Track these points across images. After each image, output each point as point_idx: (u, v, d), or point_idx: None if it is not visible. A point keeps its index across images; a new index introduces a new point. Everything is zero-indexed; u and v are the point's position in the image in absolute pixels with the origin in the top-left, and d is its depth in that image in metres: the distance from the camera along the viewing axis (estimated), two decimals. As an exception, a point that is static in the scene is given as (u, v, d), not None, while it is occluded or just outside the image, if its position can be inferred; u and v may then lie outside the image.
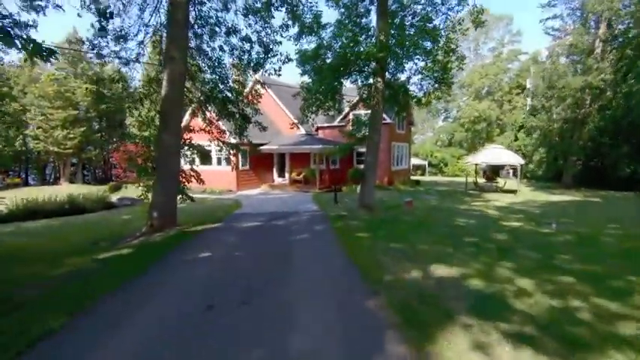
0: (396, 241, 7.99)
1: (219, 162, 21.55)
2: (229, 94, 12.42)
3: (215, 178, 21.64)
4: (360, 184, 13.99)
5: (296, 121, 24.20)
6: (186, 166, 24.03)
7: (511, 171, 36.52)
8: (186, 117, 22.86)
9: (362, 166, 23.54)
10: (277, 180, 24.20)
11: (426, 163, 40.24)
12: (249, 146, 22.00)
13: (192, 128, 14.06)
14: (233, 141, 20.23)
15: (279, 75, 12.53)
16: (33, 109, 30.87)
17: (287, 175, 23.22)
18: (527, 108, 36.42)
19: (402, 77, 14.69)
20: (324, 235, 8.76)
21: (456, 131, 42.60)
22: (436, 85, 14.46)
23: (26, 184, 37.51)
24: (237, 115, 12.75)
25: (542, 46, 58.41)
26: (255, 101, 14.00)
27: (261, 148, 22.08)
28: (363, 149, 24.16)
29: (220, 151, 21.60)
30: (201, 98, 12.67)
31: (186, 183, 11.72)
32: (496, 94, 39.53)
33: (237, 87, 12.83)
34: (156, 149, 9.66)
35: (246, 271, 6.00)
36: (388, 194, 19.67)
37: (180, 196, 10.68)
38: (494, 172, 38.74)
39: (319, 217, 11.64)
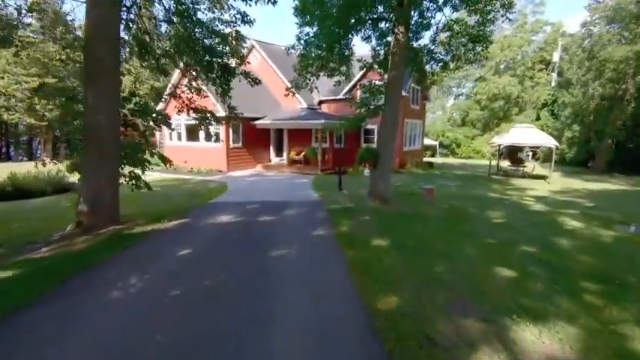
0: (430, 255, 5.41)
1: (207, 138, 18.83)
2: (206, 41, 9.47)
3: (203, 157, 19.00)
4: (370, 166, 11.30)
5: (298, 96, 21.30)
6: (169, 142, 21.50)
7: (530, 154, 33.57)
8: (175, 78, 20.02)
9: (374, 145, 20.81)
10: (274, 160, 21.53)
11: (436, 143, 37.29)
12: (240, 120, 19.24)
13: (178, 95, 11.30)
14: (222, 113, 17.45)
15: (274, 3, 9.48)
16: (6, 76, 27.91)
17: (285, 154, 20.52)
18: (553, 84, 33.04)
19: (426, 37, 11.71)
20: (323, 250, 6.03)
21: (471, 109, 39.37)
22: (469, 45, 11.52)
23: (9, 158, 35.11)
24: (216, 67, 9.80)
25: (567, 17, 53.74)
26: (238, 46, 10.89)
27: (256, 122, 19.28)
28: (371, 126, 21.34)
29: (207, 123, 18.92)
30: (170, 49, 9.76)
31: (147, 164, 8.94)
32: (517, 69, 36.00)
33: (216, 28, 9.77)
34: (86, 114, 6.82)
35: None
36: (401, 179, 16.99)
37: (127, 181, 7.94)
38: (512, 154, 35.91)
39: (319, 212, 9.02)
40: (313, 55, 11.01)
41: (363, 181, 15.65)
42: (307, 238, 6.72)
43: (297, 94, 21.28)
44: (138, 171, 8.07)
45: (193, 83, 10.91)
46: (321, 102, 22.45)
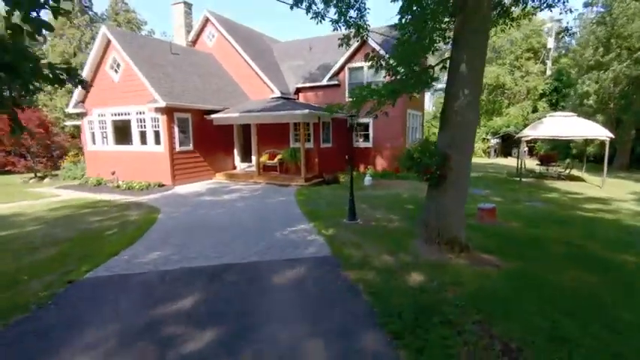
0: None
1: (143, 139, 13.44)
2: None
3: (138, 166, 13.58)
4: (425, 178, 6.59)
5: (270, 82, 16.32)
6: (92, 146, 15.81)
7: (526, 149, 30.48)
8: (96, 51, 14.21)
9: (367, 143, 16.20)
10: (240, 166, 16.40)
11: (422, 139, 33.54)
12: (192, 114, 14.01)
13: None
14: (161, 103, 12.20)
15: None
16: None
17: (254, 158, 15.53)
18: (548, 72, 30.16)
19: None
20: None
21: (458, 102, 36.14)
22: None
23: None
24: None
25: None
26: None
27: (213, 117, 14.11)
28: (365, 119, 16.81)
29: (142, 120, 13.51)
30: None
31: None
32: (507, 58, 33.09)
33: None
34: None
35: None
36: (417, 188, 12.51)
37: None
38: (505, 148, 32.87)
39: (347, 305, 4.20)
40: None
41: (369, 194, 10.98)
42: None
43: (267, 80, 16.37)
44: None
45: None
46: (298, 90, 17.59)
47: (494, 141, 31.80)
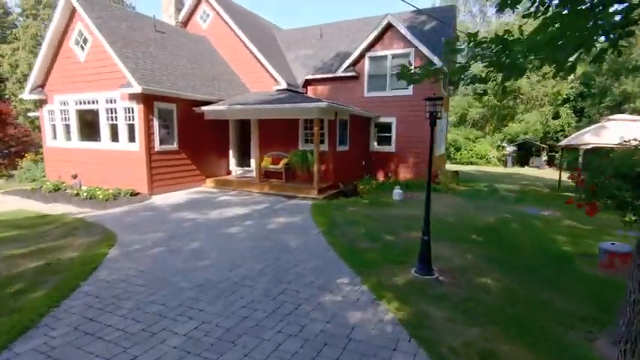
0: None
1: (114, 135, 10.61)
2: None
3: (107, 168, 10.76)
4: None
5: (274, 71, 13.61)
6: (52, 142, 10.87)
7: (545, 158, 28.20)
8: (58, 24, 11.21)
9: (390, 147, 13.55)
10: (236, 171, 13.60)
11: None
12: (176, 103, 11.20)
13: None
14: (136, 88, 9.43)
15: None
16: None
17: (253, 162, 12.77)
18: (571, 76, 27.93)
19: None
20: None
21: (471, 107, 33.89)
22: None
23: None
24: None
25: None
26: None
27: (204, 109, 11.32)
28: (386, 118, 14.16)
29: (112, 111, 10.64)
30: None
31: None
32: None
33: None
34: None
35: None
36: (460, 206, 9.87)
37: None
38: (522, 157, 30.44)
39: None
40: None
41: (407, 214, 8.17)
42: None
43: (271, 69, 13.64)
44: None
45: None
46: (308, 82, 14.89)
47: (510, 149, 29.44)
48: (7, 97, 22.97)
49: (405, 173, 13.66)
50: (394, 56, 13.38)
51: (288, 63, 15.56)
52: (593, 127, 12.94)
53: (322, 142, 11.34)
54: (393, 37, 13.31)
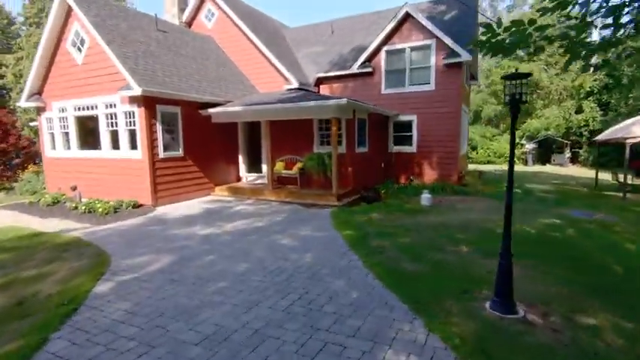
0: None
1: (114, 142, 9.80)
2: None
3: (108, 177, 9.96)
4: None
5: (285, 70, 12.72)
6: (51, 152, 9.53)
7: (569, 156, 26.73)
8: (53, 24, 10.35)
9: (411, 147, 12.55)
10: (246, 177, 12.68)
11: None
12: (182, 106, 10.35)
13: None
14: (136, 90, 8.61)
15: None
16: None
17: (265, 167, 11.88)
18: (593, 68, 26.47)
19: None
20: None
21: (486, 103, 32.60)
22: None
23: None
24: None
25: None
26: None
27: (211, 111, 10.45)
28: (406, 116, 13.13)
29: (112, 116, 9.81)
30: None
31: None
32: (541, 54, 29.64)
33: None
34: None
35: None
36: (494, 209, 8.77)
37: None
38: (542, 154, 28.97)
39: None
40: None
41: (442, 222, 6.93)
42: None
43: (282, 68, 12.75)
44: None
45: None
46: (320, 80, 13.96)
47: (529, 146, 28.07)
48: (11, 107, 22.54)
49: (429, 175, 12.60)
50: (413, 49, 12.38)
51: (298, 61, 14.67)
52: (638, 118, 11.72)
53: (339, 143, 10.36)
54: (411, 29, 12.31)
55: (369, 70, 12.91)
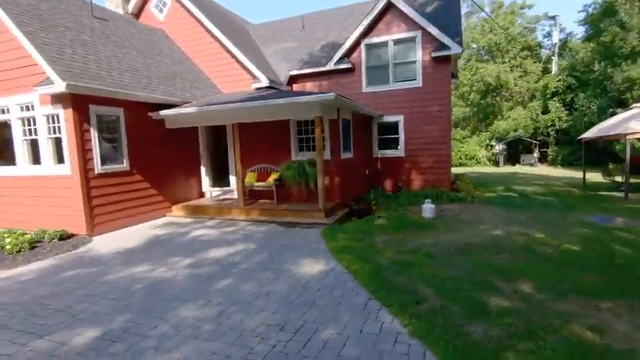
0: None
1: (34, 154, 7.58)
2: None
3: (27, 201, 7.68)
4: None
5: (253, 66, 10.94)
6: None
7: (536, 156, 26.93)
8: None
9: (397, 151, 11.30)
10: (210, 192, 10.68)
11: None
12: (122, 108, 8.24)
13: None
14: (58, 86, 6.48)
15: None
16: None
17: (233, 179, 10.03)
18: (555, 69, 27.06)
19: None
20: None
21: (454, 106, 32.61)
22: None
23: None
24: None
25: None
26: None
27: (166, 113, 8.48)
28: (391, 117, 11.82)
29: (30, 121, 7.53)
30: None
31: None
32: (505, 56, 29.91)
33: None
34: None
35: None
36: (515, 221, 7.58)
37: None
38: (511, 155, 29.07)
39: None
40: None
41: (467, 240, 5.28)
42: None
43: (249, 64, 11.01)
44: None
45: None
46: (293, 79, 12.35)
47: (499, 147, 28.11)
48: None
49: (418, 181, 11.33)
50: (396, 42, 11.14)
51: (266, 59, 12.99)
52: (629, 113, 11.20)
53: (323, 147, 8.74)
54: (393, 20, 11.08)
55: (348, 66, 11.50)
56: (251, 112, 7.96)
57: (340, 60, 11.57)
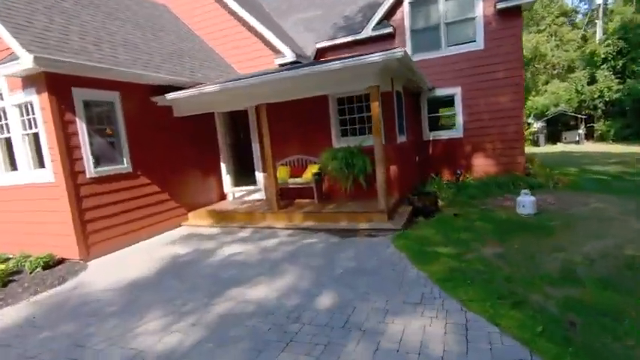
0: None
1: (10, 157, 5.88)
2: None
3: (8, 217, 5.88)
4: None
5: (278, 41, 8.89)
6: None
7: (582, 132, 24.18)
8: None
9: (455, 131, 9.27)
10: (233, 193, 8.86)
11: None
12: (118, 91, 6.34)
13: None
14: (25, 60, 4.56)
15: None
16: None
17: (260, 176, 8.20)
18: (599, 34, 24.17)
19: None
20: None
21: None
22: None
23: None
24: None
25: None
26: None
27: (172, 96, 6.65)
28: (446, 89, 9.67)
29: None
30: None
31: None
32: (541, 23, 27.06)
33: None
34: None
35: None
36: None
37: None
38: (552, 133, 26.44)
39: None
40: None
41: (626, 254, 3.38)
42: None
43: (271, 37, 8.98)
44: None
45: None
46: (320, 53, 10.34)
47: (538, 124, 25.48)
48: None
49: (482, 166, 9.27)
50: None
51: (286, 31, 11.02)
52: None
53: (366, 132, 6.78)
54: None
55: (389, 30, 9.43)
56: (284, 86, 6.06)
57: (379, 24, 9.50)
